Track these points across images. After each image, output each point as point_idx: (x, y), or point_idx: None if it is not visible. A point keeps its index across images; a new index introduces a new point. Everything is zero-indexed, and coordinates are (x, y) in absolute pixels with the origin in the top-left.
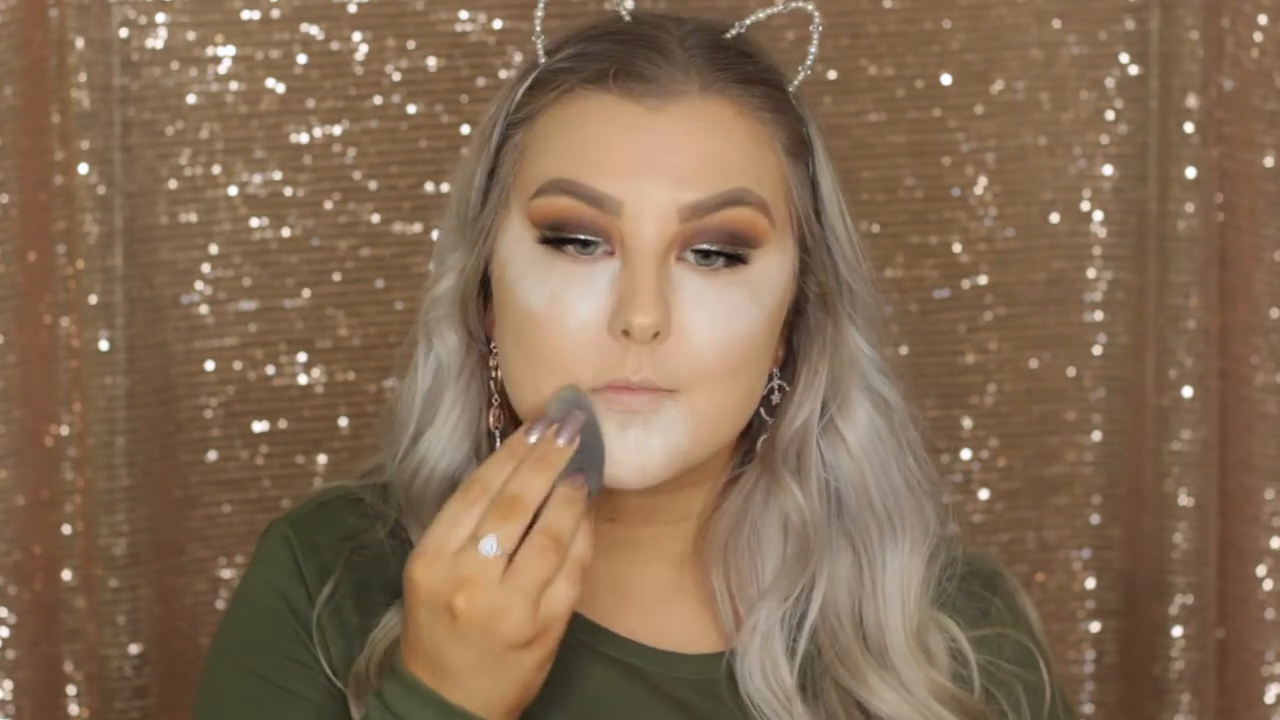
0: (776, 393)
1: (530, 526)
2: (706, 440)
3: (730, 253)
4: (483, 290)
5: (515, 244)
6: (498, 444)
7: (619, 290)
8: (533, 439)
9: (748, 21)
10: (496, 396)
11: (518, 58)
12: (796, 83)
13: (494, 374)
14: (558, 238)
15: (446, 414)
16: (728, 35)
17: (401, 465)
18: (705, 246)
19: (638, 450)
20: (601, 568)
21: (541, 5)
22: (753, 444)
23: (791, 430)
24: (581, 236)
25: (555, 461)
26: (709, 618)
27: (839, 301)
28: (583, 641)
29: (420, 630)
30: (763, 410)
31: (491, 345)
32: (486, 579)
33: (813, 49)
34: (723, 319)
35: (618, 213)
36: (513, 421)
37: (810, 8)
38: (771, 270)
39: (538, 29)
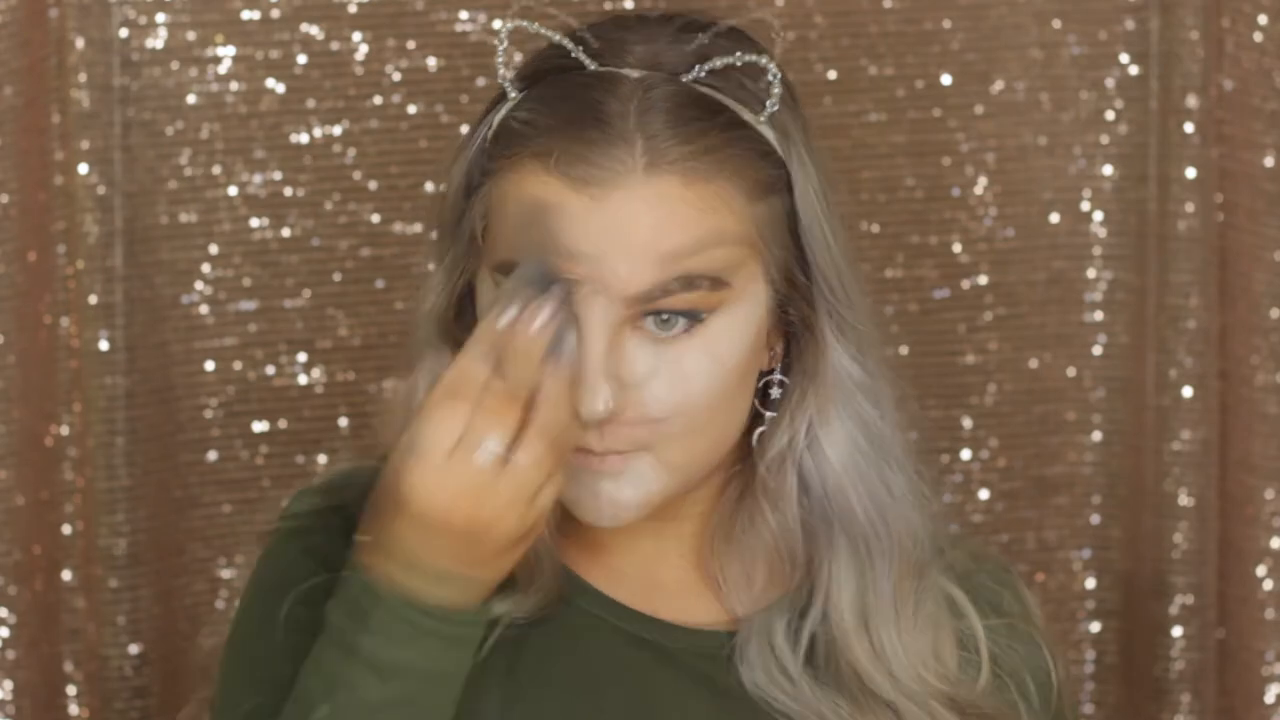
0: (776, 388)
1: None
2: (682, 480)
3: (689, 314)
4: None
5: (486, 292)
6: None
7: (570, 372)
8: (503, 324)
9: (706, 69)
10: None
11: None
12: (764, 117)
13: None
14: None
15: None
16: (687, 78)
17: None
18: (659, 316)
19: (610, 502)
20: (625, 556)
21: (504, 37)
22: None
23: (770, 453)
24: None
25: (537, 349)
26: (733, 595)
27: (824, 326)
28: (608, 620)
29: (402, 538)
30: (757, 402)
31: None
32: (485, 487)
33: (773, 73)
34: (679, 385)
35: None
36: None
37: (764, 61)
38: (734, 325)
39: (500, 59)
